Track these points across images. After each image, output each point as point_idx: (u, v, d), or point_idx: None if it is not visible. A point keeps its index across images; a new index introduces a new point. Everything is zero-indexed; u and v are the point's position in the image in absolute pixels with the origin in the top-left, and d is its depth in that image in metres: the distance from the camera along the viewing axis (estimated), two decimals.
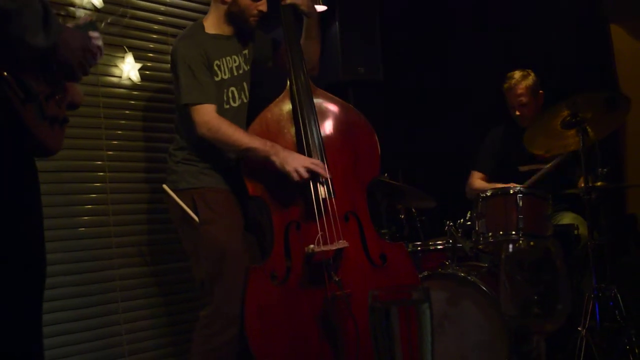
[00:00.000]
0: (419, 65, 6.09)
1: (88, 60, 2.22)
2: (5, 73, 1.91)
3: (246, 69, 4.01)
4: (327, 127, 3.89)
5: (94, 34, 2.33)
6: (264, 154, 3.67)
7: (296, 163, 3.64)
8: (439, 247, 4.60)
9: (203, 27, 3.90)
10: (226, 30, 3.95)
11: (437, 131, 5.93)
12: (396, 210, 5.05)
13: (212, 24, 3.93)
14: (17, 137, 1.99)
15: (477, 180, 5.13)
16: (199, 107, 3.70)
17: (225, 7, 3.89)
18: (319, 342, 3.66)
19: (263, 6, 3.90)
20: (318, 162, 3.69)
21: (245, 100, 3.99)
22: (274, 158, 3.65)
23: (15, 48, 1.92)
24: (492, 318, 4.00)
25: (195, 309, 3.96)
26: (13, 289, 2.02)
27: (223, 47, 3.92)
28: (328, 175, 3.71)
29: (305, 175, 3.64)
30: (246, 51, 4.03)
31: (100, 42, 2.36)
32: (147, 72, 4.36)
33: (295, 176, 3.63)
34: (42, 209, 2.16)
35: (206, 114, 3.70)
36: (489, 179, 5.12)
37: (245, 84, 4.00)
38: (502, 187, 4.44)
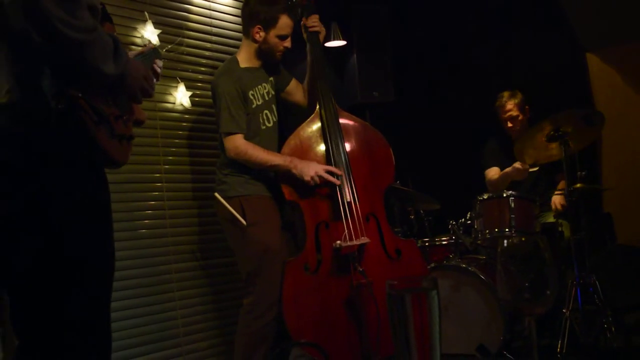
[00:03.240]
0: (424, 89, 6.10)
1: (148, 86, 2.26)
2: (80, 95, 1.93)
3: (273, 93, 4.06)
4: (350, 142, 3.92)
5: (158, 61, 2.36)
6: (284, 167, 3.74)
7: (311, 171, 3.69)
8: (444, 242, 4.61)
9: (237, 62, 3.95)
10: (256, 63, 4.00)
11: (441, 143, 5.92)
12: (407, 211, 5.04)
13: (245, 59, 3.96)
14: (91, 153, 2.02)
15: (495, 175, 5.10)
16: (231, 136, 3.77)
17: (256, 45, 3.94)
18: (346, 323, 3.67)
19: (288, 43, 3.96)
20: (330, 168, 3.74)
21: (275, 120, 4.02)
22: (293, 170, 3.71)
23: (88, 75, 1.95)
24: (489, 302, 3.99)
25: (239, 297, 3.97)
26: (91, 286, 2.04)
27: (255, 78, 3.95)
28: (338, 181, 3.73)
29: (319, 181, 3.70)
30: (271, 78, 4.08)
31: (161, 67, 2.39)
32: (196, 99, 4.39)
33: (311, 182, 3.69)
34: (112, 212, 2.18)
35: (235, 141, 3.76)
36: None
37: (274, 105, 4.04)
38: (497, 192, 4.44)
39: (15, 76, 1.86)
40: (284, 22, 3.90)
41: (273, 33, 3.89)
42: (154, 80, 2.35)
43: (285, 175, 3.78)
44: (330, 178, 3.71)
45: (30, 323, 1.94)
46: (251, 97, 3.87)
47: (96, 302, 2.07)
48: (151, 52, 2.43)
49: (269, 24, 3.88)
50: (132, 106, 2.30)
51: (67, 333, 1.96)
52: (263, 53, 3.97)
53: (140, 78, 2.20)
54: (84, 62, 1.89)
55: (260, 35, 3.90)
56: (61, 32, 1.79)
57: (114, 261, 2.16)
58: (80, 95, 1.94)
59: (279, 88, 4.15)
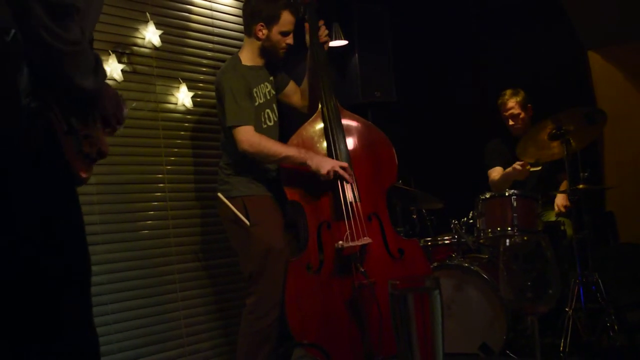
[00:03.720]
0: (426, 88, 6.09)
1: (118, 116, 2.21)
2: (54, 103, 1.91)
3: (274, 92, 4.05)
4: (353, 142, 3.90)
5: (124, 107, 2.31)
6: (300, 160, 3.70)
7: (328, 165, 3.66)
8: (446, 242, 4.59)
9: (240, 60, 3.93)
10: (259, 61, 3.98)
11: (443, 143, 5.92)
12: (409, 211, 5.04)
13: (248, 58, 3.95)
14: (55, 161, 1.97)
15: (497, 175, 5.05)
16: (240, 128, 3.72)
17: (259, 43, 3.93)
18: (348, 323, 3.66)
19: (290, 40, 3.95)
20: (345, 165, 3.71)
21: (276, 119, 4.02)
22: (309, 162, 3.68)
23: (66, 86, 1.91)
24: (492, 301, 3.99)
25: (242, 298, 3.97)
26: (68, 287, 2.00)
27: (258, 76, 3.95)
28: (352, 180, 3.72)
29: (331, 176, 3.67)
30: (272, 78, 4.07)
31: (125, 114, 2.32)
32: (198, 100, 4.39)
33: (328, 176, 3.65)
34: (82, 216, 2.11)
35: (246, 133, 3.71)
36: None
37: (274, 105, 4.04)
38: (500, 191, 4.44)
39: None
40: (286, 19, 3.90)
41: (276, 30, 3.89)
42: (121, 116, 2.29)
43: (289, 175, 3.77)
44: (345, 175, 3.70)
45: (11, 326, 1.91)
46: (254, 94, 3.87)
47: (76, 304, 2.03)
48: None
49: (271, 20, 3.87)
50: (100, 134, 2.24)
51: (51, 335, 1.93)
52: (266, 51, 3.96)
53: (113, 102, 2.15)
54: (63, 73, 1.86)
55: (263, 32, 3.89)
56: (45, 39, 1.76)
57: (90, 263, 2.12)
58: (54, 102, 1.91)
59: (277, 89, 4.15)
